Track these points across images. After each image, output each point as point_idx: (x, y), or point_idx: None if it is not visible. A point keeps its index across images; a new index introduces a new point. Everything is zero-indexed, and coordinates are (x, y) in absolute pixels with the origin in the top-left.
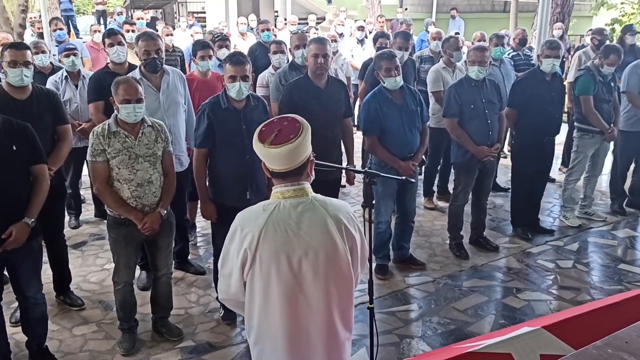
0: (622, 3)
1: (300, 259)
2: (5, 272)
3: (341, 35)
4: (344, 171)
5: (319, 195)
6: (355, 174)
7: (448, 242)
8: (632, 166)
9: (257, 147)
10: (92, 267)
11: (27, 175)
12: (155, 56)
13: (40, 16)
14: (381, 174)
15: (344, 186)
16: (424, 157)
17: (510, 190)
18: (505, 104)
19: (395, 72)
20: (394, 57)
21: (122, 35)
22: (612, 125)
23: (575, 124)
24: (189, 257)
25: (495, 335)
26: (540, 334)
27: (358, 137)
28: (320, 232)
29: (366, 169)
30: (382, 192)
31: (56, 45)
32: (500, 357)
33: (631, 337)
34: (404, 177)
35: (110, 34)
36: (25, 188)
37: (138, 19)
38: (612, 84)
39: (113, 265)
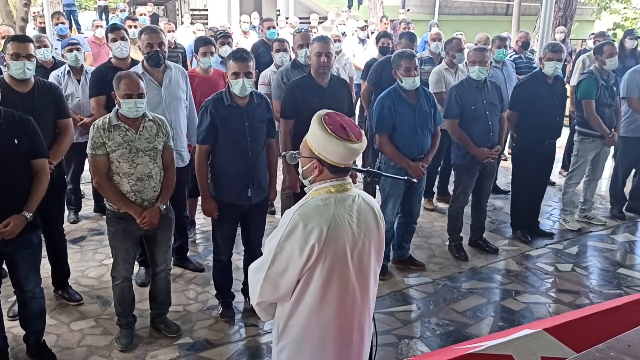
0: (624, 8)
1: (360, 250)
2: (4, 266)
3: (344, 34)
4: None
5: (358, 189)
6: (357, 173)
7: (447, 243)
8: (633, 171)
9: (342, 145)
10: (91, 262)
11: (28, 169)
12: (158, 49)
13: (42, 10)
14: (383, 173)
15: None
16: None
17: (510, 193)
18: (507, 106)
19: (415, 72)
20: (414, 56)
21: (125, 31)
22: (612, 129)
23: (576, 127)
24: (188, 254)
25: (496, 337)
26: (541, 336)
27: None
28: (370, 224)
29: (370, 168)
30: (390, 191)
31: (57, 40)
32: (501, 358)
33: (634, 341)
34: (405, 178)
35: (114, 28)
36: (26, 182)
37: (141, 14)
38: (615, 88)
39: (112, 260)
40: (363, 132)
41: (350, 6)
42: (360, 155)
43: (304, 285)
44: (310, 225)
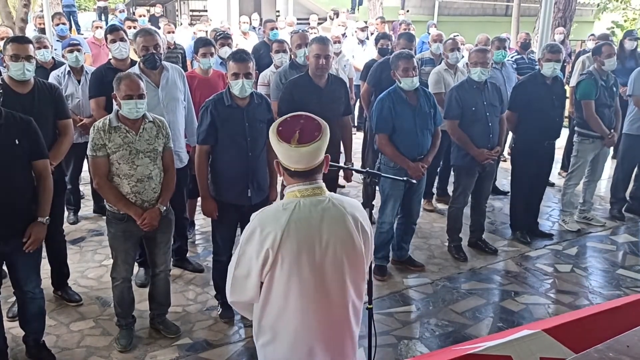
0: (624, 9)
1: (322, 257)
2: (4, 267)
3: (344, 35)
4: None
5: (334, 194)
6: (354, 173)
7: (447, 244)
8: (635, 171)
9: (281, 147)
10: (90, 263)
11: (29, 170)
12: (154, 51)
13: (42, 11)
14: (382, 174)
15: (343, 186)
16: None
17: (509, 194)
18: (506, 107)
19: (413, 72)
20: (412, 56)
21: (125, 32)
22: (612, 130)
23: (575, 128)
24: (187, 255)
25: (495, 338)
26: (540, 336)
27: (358, 137)
28: (340, 230)
29: (369, 169)
30: (389, 192)
31: (57, 40)
32: (500, 359)
33: (633, 341)
34: (405, 179)
35: (113, 29)
36: (27, 182)
37: (140, 15)
38: (615, 89)
39: (111, 261)
40: (319, 139)
41: (353, 8)
42: (360, 155)
43: (268, 288)
44: (267, 230)
